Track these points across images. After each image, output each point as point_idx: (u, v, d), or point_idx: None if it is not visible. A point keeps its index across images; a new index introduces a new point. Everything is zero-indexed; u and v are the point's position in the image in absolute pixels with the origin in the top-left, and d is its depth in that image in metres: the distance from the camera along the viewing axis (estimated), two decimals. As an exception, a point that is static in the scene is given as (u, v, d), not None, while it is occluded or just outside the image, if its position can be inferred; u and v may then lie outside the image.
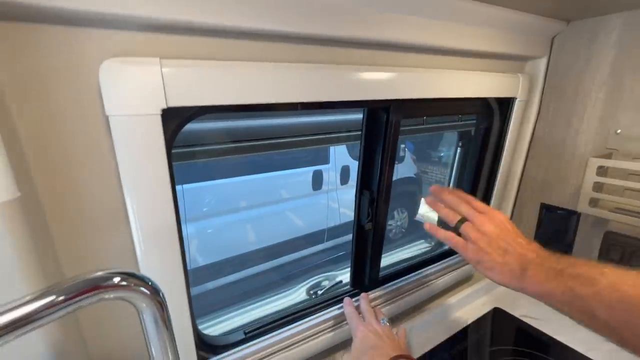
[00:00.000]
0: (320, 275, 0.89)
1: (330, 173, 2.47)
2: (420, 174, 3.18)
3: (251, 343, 0.52)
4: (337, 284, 0.77)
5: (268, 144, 0.60)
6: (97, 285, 0.26)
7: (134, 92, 0.30)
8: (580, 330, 0.66)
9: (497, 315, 0.73)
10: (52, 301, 0.24)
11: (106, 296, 0.26)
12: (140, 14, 0.30)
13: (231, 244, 2.04)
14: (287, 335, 0.53)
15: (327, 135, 0.70)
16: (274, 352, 0.52)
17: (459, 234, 0.45)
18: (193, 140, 0.48)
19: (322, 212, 2.50)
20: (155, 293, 0.29)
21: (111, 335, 0.39)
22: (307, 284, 0.83)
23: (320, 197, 2.47)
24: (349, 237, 0.65)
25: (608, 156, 0.60)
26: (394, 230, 2.79)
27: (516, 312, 0.73)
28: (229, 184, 2.01)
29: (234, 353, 0.50)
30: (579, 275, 0.34)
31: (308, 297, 0.83)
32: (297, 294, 0.83)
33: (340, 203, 2.55)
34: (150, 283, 0.29)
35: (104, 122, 0.32)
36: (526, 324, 0.70)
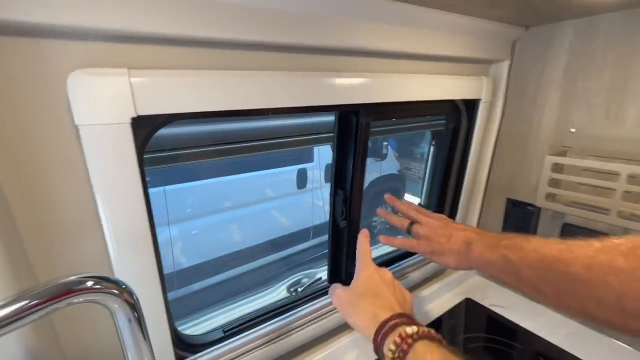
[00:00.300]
0: (300, 273, 0.91)
1: (315, 171, 2.49)
2: (403, 171, 3.24)
3: (230, 341, 0.53)
4: (316, 281, 0.80)
5: (245, 147, 0.61)
6: (69, 290, 0.27)
7: (103, 102, 0.31)
8: (542, 316, 0.71)
9: (469, 305, 0.77)
10: (26, 305, 0.25)
11: (79, 299, 0.27)
12: (107, 26, 0.31)
13: (216, 245, 2.03)
14: (265, 332, 0.55)
15: (304, 137, 0.72)
16: (252, 349, 0.54)
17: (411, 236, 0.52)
18: (170, 144, 0.49)
19: (307, 210, 2.52)
20: (127, 295, 0.30)
21: (86, 337, 0.40)
22: (287, 281, 0.85)
23: (305, 195, 2.49)
24: None
25: (563, 154, 0.64)
26: (378, 227, 2.83)
27: (485, 302, 0.77)
28: (213, 184, 2.00)
29: (213, 351, 0.51)
30: (510, 244, 0.40)
31: (288, 294, 0.85)
32: (277, 292, 0.85)
33: (325, 201, 2.57)
34: (123, 286, 0.30)
35: (73, 131, 0.33)
36: (495, 312, 0.74)
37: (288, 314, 0.59)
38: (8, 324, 0.24)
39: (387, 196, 0.58)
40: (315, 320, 0.61)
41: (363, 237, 0.48)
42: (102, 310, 0.29)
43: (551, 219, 0.70)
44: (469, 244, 0.44)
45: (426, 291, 0.77)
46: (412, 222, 0.52)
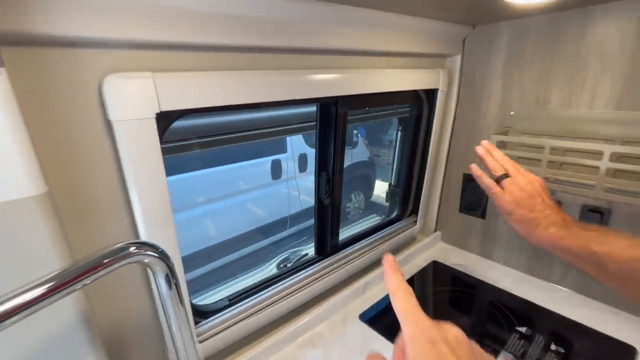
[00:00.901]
0: (288, 251, 0.99)
1: (289, 162, 2.55)
2: (373, 157, 3.38)
3: (234, 307, 0.61)
4: (303, 256, 0.89)
5: (235, 137, 0.68)
6: (124, 254, 0.34)
7: (133, 100, 0.38)
8: (491, 270, 0.85)
9: (435, 266, 0.90)
10: (90, 265, 0.31)
11: (130, 260, 0.33)
12: (132, 37, 0.37)
13: (192, 240, 2.04)
14: (263, 298, 0.64)
15: (286, 127, 0.79)
16: (253, 313, 0.62)
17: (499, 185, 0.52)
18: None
19: (283, 200, 2.59)
20: (165, 257, 0.37)
21: (116, 307, 0.47)
22: (277, 259, 0.93)
23: (281, 186, 2.55)
24: (311, 222, 0.76)
25: (505, 133, 0.77)
26: (352, 212, 2.96)
27: (448, 262, 0.90)
28: (186, 179, 2.00)
29: (221, 315, 0.59)
30: (597, 236, 0.41)
31: (278, 270, 0.94)
32: (269, 270, 0.93)
33: (300, 190, 2.65)
34: (160, 249, 0.37)
35: (104, 126, 0.39)
36: (456, 269, 0.88)
37: (280, 283, 0.68)
38: (80, 281, 0.30)
39: (485, 142, 0.60)
40: (302, 288, 0.70)
41: (392, 272, 0.30)
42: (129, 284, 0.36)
43: (498, 188, 0.84)
44: (547, 226, 0.46)
45: (399, 257, 0.89)
46: (505, 175, 0.52)
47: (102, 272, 0.32)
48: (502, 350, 0.61)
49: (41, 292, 0.27)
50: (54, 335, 0.37)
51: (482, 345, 0.61)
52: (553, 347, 0.62)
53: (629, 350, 0.60)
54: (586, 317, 0.68)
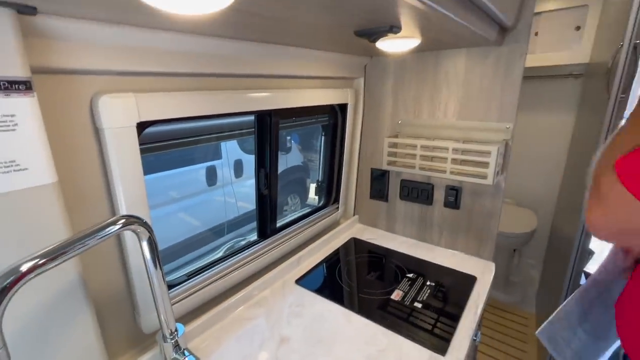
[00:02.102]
0: (233, 240, 1.14)
1: (224, 168, 2.62)
2: (306, 162, 3.63)
3: (190, 281, 0.75)
4: (247, 242, 1.05)
5: (177, 143, 0.82)
6: (121, 222, 0.47)
7: (119, 113, 0.51)
8: (393, 241, 1.13)
9: (355, 241, 1.15)
10: (98, 229, 0.45)
11: (122, 228, 0.47)
12: (116, 68, 0.51)
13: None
14: (216, 271, 0.79)
15: (227, 133, 0.95)
16: (209, 284, 0.77)
17: None
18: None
19: (219, 207, 2.63)
20: (147, 226, 0.52)
21: (96, 279, 0.58)
22: (223, 248, 1.07)
23: (217, 192, 2.59)
24: (249, 227, 0.93)
25: (396, 136, 1.06)
26: (287, 218, 3.11)
27: (364, 238, 1.16)
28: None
29: (183, 286, 0.73)
30: None
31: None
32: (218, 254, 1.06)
33: (237, 196, 2.72)
34: (143, 220, 0.51)
35: (92, 133, 0.52)
36: (369, 242, 1.13)
37: (230, 260, 0.84)
38: (90, 240, 0.44)
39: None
40: (249, 263, 0.87)
41: None
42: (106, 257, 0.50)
43: (395, 178, 1.12)
44: None
45: (325, 237, 1.11)
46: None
47: (104, 236, 0.46)
48: (396, 289, 0.87)
49: (63, 249, 0.40)
50: (60, 293, 0.48)
51: (384, 285, 0.85)
52: (428, 282, 0.90)
53: (472, 277, 0.91)
54: (451, 263, 0.99)
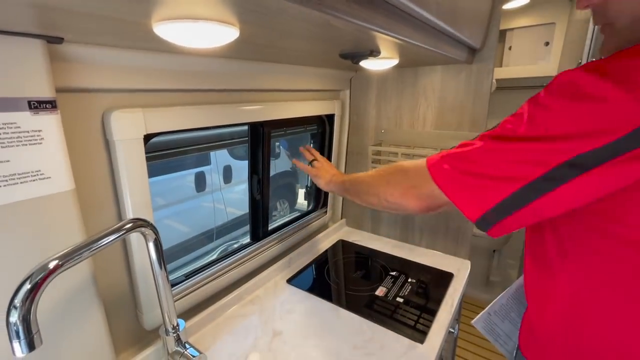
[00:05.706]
0: (227, 243, 1.19)
1: (213, 174, 2.64)
2: (295, 167, 3.68)
3: (188, 280, 0.80)
4: (240, 244, 1.10)
5: (177, 152, 0.87)
6: (132, 225, 0.53)
7: (129, 127, 0.57)
8: (377, 242, 1.21)
9: (342, 243, 1.22)
10: (112, 231, 0.50)
11: (133, 230, 0.53)
12: (125, 87, 0.57)
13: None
14: (212, 272, 0.84)
15: (222, 142, 1.01)
16: (205, 284, 0.82)
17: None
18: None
19: (209, 213, 2.64)
20: (153, 228, 0.57)
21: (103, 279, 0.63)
22: (218, 251, 1.11)
23: (206, 198, 2.61)
24: (238, 232, 0.98)
25: (379, 144, 1.14)
26: (278, 221, 3.15)
27: (351, 240, 1.23)
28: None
29: (181, 285, 0.78)
30: (347, 177, 0.78)
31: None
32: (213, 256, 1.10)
33: (226, 202, 2.74)
34: (150, 223, 0.57)
35: (103, 144, 0.57)
36: (356, 243, 1.20)
37: (224, 261, 0.89)
38: (106, 243, 0.49)
39: (302, 148, 0.99)
40: (242, 264, 0.92)
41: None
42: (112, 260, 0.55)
43: (379, 183, 1.20)
44: (332, 175, 0.85)
45: (315, 238, 1.17)
46: (314, 160, 0.93)
47: (117, 237, 0.51)
48: (380, 286, 0.94)
49: (83, 248, 0.45)
50: (75, 290, 0.53)
51: (369, 283, 0.92)
52: (410, 280, 0.97)
53: (450, 274, 1.00)
54: (430, 261, 1.07)
